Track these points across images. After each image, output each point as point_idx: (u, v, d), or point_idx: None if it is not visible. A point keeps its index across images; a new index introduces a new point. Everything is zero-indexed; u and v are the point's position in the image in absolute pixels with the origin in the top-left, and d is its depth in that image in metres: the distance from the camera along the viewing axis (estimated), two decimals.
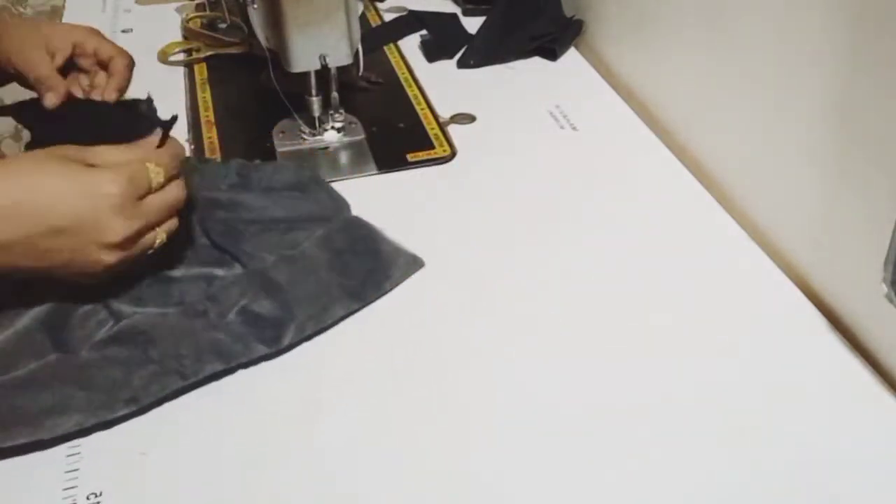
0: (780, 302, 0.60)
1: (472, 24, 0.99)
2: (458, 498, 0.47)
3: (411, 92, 0.87)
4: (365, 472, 0.48)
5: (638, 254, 0.64)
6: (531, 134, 0.79)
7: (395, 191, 0.72)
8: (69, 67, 0.71)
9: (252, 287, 0.57)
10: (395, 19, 1.03)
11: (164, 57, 0.94)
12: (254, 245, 0.62)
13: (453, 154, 0.77)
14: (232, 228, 0.63)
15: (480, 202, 0.70)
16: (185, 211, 0.58)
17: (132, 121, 0.61)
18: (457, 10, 1.04)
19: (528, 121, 0.81)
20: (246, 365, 0.54)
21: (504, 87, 0.88)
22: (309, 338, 0.56)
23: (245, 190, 0.67)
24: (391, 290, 0.60)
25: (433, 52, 0.94)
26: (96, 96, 0.69)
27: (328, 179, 0.71)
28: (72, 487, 0.47)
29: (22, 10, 1.52)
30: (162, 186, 0.54)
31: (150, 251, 0.55)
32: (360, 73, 0.76)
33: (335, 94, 0.76)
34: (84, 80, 0.71)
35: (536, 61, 0.93)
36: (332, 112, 0.77)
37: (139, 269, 0.57)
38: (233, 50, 0.94)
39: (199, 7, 1.04)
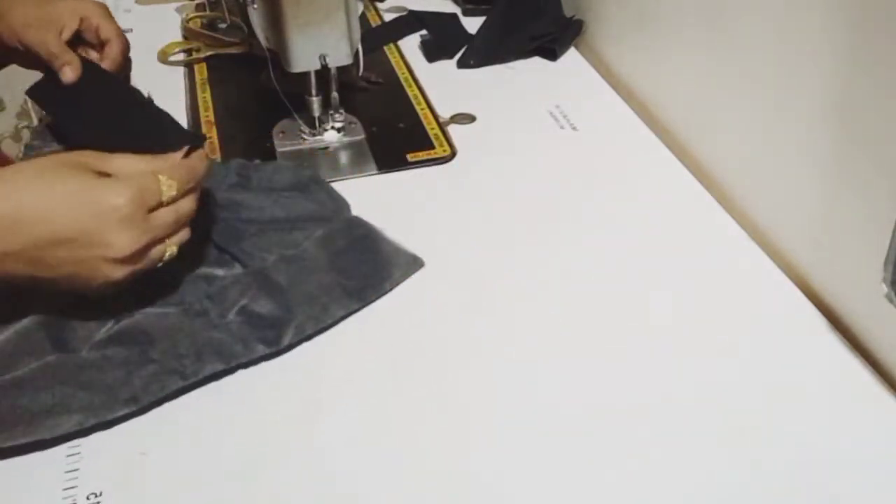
0: (780, 302, 0.60)
1: (472, 24, 0.99)
2: (458, 498, 0.46)
3: (411, 92, 0.87)
4: (365, 472, 0.48)
5: (638, 254, 0.64)
6: (531, 134, 0.79)
7: (395, 191, 0.72)
8: (75, 41, 0.71)
9: (252, 287, 0.58)
10: (395, 19, 1.03)
11: (164, 57, 0.94)
12: (254, 245, 0.62)
13: (453, 154, 0.77)
14: (232, 228, 0.63)
15: (480, 202, 0.70)
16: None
17: (163, 130, 0.60)
18: (457, 10, 1.04)
19: (528, 121, 0.81)
20: (246, 365, 0.54)
21: (504, 87, 0.88)
22: (309, 338, 0.56)
23: (245, 190, 0.67)
24: (391, 290, 0.60)
25: (433, 52, 0.94)
26: None
27: (328, 179, 0.71)
28: (72, 487, 0.47)
29: None
30: (174, 200, 0.52)
31: (160, 264, 0.53)
32: (360, 73, 0.76)
33: (335, 94, 0.76)
34: (92, 53, 0.71)
35: (536, 61, 0.93)
36: (332, 112, 0.77)
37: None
38: (233, 50, 0.94)
39: (199, 7, 1.04)
